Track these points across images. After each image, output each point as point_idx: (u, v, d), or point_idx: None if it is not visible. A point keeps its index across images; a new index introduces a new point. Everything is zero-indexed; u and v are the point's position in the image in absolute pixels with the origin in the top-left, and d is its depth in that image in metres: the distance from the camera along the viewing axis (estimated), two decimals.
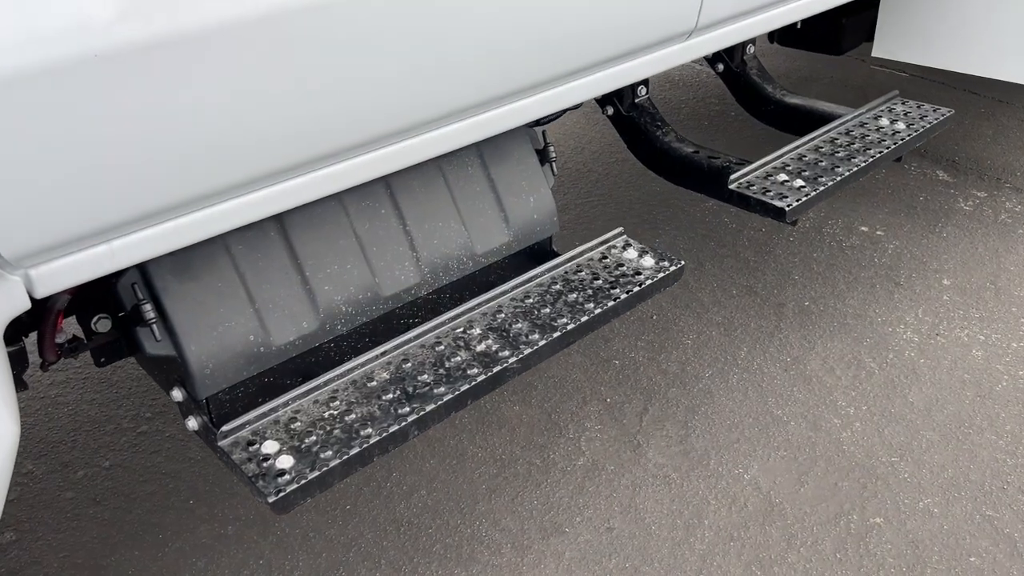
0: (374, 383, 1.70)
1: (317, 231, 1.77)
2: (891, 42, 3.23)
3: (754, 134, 3.91)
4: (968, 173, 3.85)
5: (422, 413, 1.63)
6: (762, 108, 3.07)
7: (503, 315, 1.88)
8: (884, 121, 2.82)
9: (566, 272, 2.03)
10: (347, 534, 2.23)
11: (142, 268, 1.57)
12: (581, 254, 2.09)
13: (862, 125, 2.81)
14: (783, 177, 2.48)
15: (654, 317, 2.99)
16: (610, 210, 3.63)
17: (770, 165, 2.56)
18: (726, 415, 2.58)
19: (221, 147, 1.36)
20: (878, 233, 3.44)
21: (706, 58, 2.98)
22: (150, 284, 1.58)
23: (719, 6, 2.16)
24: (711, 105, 4.51)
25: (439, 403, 1.65)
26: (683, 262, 2.07)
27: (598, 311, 1.90)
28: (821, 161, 2.58)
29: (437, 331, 1.83)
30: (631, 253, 2.10)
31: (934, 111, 2.88)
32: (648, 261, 2.07)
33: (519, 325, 1.85)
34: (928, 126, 2.79)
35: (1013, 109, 4.41)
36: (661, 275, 2.02)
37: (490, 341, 1.81)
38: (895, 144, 2.67)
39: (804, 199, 2.37)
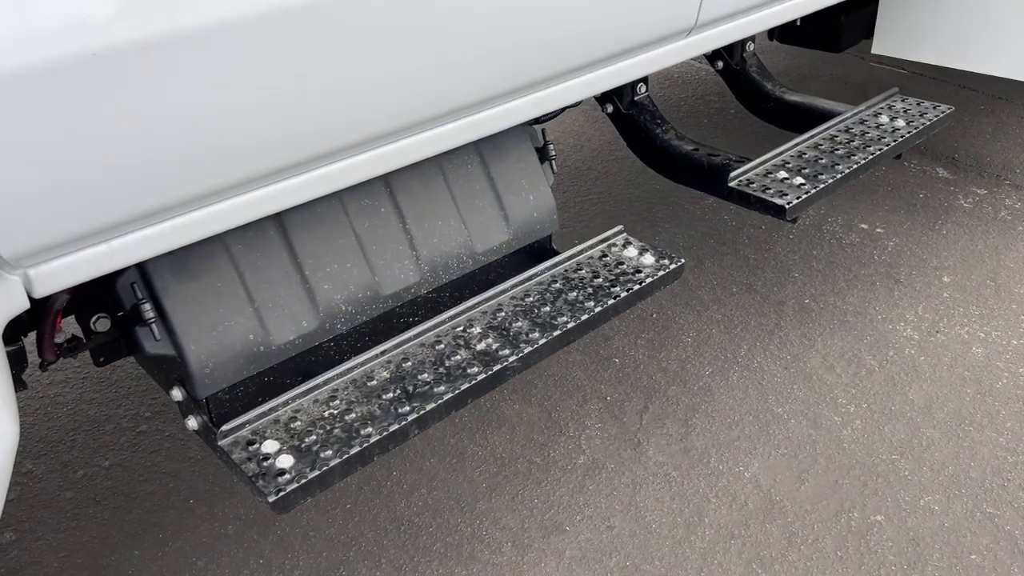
0: (374, 382, 1.70)
1: (316, 230, 1.77)
2: (890, 39, 3.23)
3: (754, 131, 3.90)
4: (968, 170, 3.85)
5: (422, 412, 1.63)
6: (762, 105, 3.06)
7: (503, 314, 1.88)
8: (884, 118, 2.82)
9: (566, 270, 2.03)
10: (347, 533, 2.22)
11: (141, 267, 1.57)
12: (581, 252, 2.09)
13: (862, 122, 2.80)
14: (783, 175, 2.47)
15: (654, 315, 2.99)
16: (609, 208, 3.63)
17: (770, 163, 2.55)
18: (726, 413, 2.58)
19: (220, 146, 1.35)
20: (878, 230, 3.44)
21: (706, 56, 2.97)
22: (149, 283, 1.58)
23: (719, 4, 2.15)
24: (711, 103, 4.51)
25: (439, 402, 1.65)
26: (683, 260, 2.07)
27: (598, 309, 1.90)
28: (821, 158, 2.58)
29: (437, 330, 1.83)
30: (631, 251, 2.09)
31: (934, 108, 2.88)
32: (648, 259, 2.06)
33: (519, 324, 1.85)
34: (928, 123, 2.78)
35: (1012, 106, 4.41)
36: (661, 273, 2.02)
37: (490, 340, 1.80)
38: (895, 141, 2.67)
39: (804, 196, 2.37)
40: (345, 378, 1.71)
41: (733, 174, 2.44)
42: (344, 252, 1.80)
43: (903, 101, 2.95)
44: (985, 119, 4.28)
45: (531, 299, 1.93)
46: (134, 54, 1.19)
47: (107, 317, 1.65)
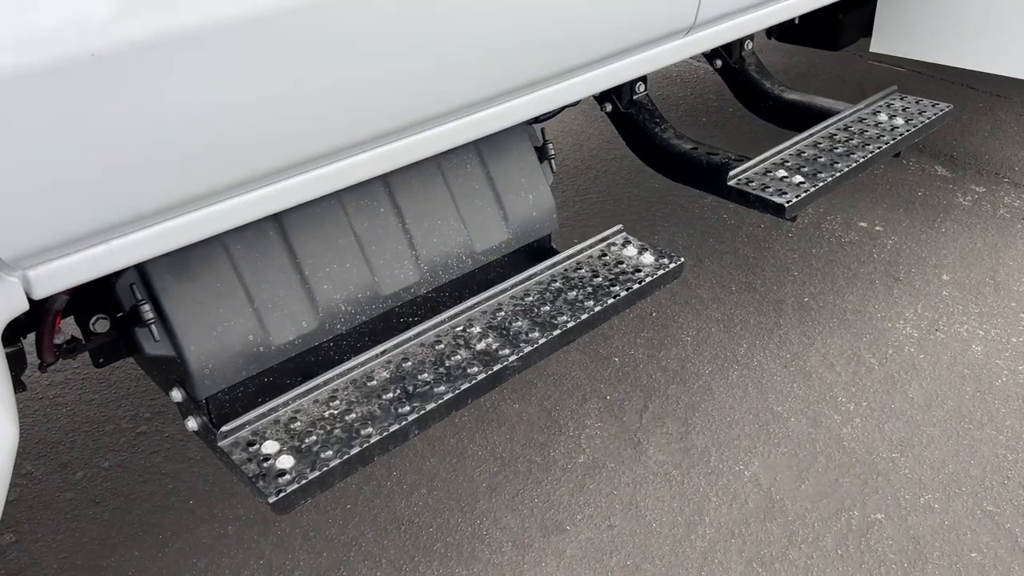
0: (374, 382, 1.70)
1: (316, 230, 1.77)
2: (889, 37, 3.23)
3: (752, 130, 3.90)
4: (966, 168, 3.85)
5: (422, 412, 1.63)
6: (760, 104, 3.06)
7: (503, 313, 1.88)
8: (883, 117, 2.82)
9: (566, 270, 2.03)
10: (348, 533, 2.22)
11: (140, 268, 1.57)
12: (581, 251, 2.08)
13: (861, 121, 2.80)
14: (782, 173, 2.47)
15: (653, 314, 2.99)
16: (608, 207, 3.63)
17: (769, 161, 2.55)
18: (726, 412, 2.58)
19: (219, 146, 1.35)
20: (877, 229, 3.44)
21: (704, 54, 2.97)
22: (149, 284, 1.57)
23: (717, 2, 2.15)
24: (709, 101, 4.51)
25: (439, 402, 1.65)
26: (683, 259, 2.07)
27: (598, 309, 1.90)
28: (820, 157, 2.57)
29: (437, 330, 1.83)
30: (631, 250, 2.09)
31: (932, 106, 2.88)
32: (648, 258, 2.06)
33: (519, 323, 1.85)
34: (926, 121, 2.78)
35: (1011, 104, 4.41)
36: (661, 272, 2.02)
37: (490, 339, 1.80)
38: (894, 140, 2.67)
39: (803, 195, 2.37)
40: (345, 378, 1.71)
41: (732, 173, 2.44)
42: (343, 252, 1.80)
43: (902, 99, 2.95)
44: (984, 117, 4.28)
45: (531, 298, 1.93)
46: (133, 54, 1.18)
47: (106, 318, 1.65)
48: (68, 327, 1.67)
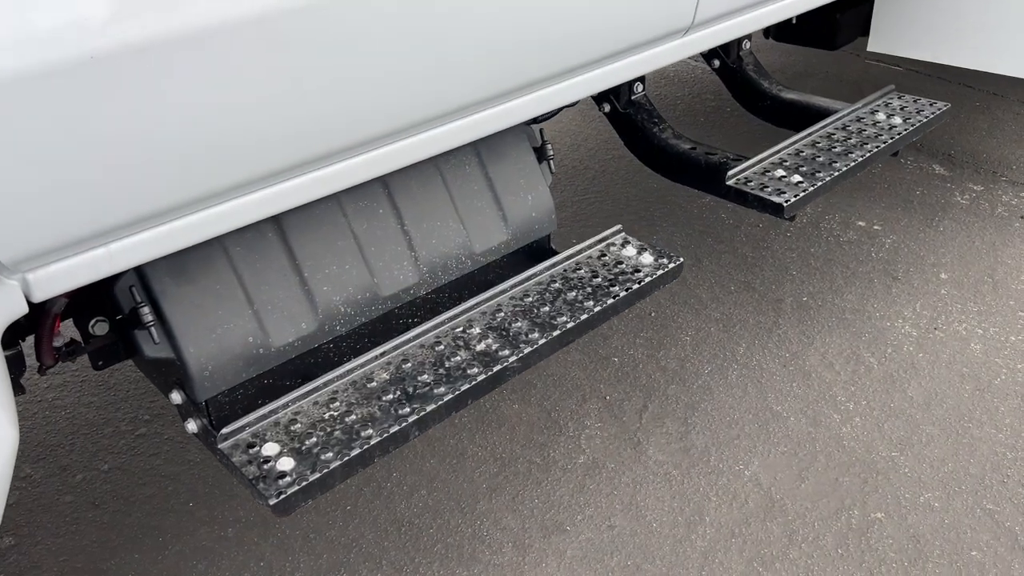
0: (374, 384, 1.70)
1: (315, 232, 1.77)
2: (886, 37, 3.23)
3: (750, 130, 3.90)
4: (964, 167, 3.85)
5: (423, 413, 1.63)
6: (758, 104, 3.07)
7: (503, 314, 1.88)
8: (880, 116, 2.82)
9: (565, 270, 2.03)
10: (348, 535, 2.22)
11: (139, 271, 1.56)
12: (580, 252, 2.08)
13: (859, 120, 2.81)
14: (780, 173, 2.48)
15: (652, 314, 2.99)
16: (607, 207, 3.63)
17: (767, 161, 2.55)
18: (726, 411, 2.58)
19: (218, 148, 1.35)
20: (875, 228, 3.44)
21: (702, 54, 2.97)
22: (148, 287, 1.57)
23: (716, 2, 2.15)
24: (707, 101, 4.51)
25: (439, 403, 1.65)
26: (682, 259, 2.07)
27: (598, 309, 1.90)
28: (818, 156, 2.58)
29: (436, 331, 1.83)
30: (630, 250, 2.09)
31: (930, 105, 2.88)
32: (647, 258, 2.06)
33: (519, 324, 1.85)
34: (924, 120, 2.79)
35: (1008, 103, 4.42)
36: (660, 272, 2.02)
37: (490, 340, 1.80)
38: (892, 139, 2.67)
39: (802, 195, 2.37)
40: (345, 380, 1.71)
41: (731, 173, 2.44)
42: (343, 254, 1.80)
43: (899, 98, 2.95)
44: (981, 116, 4.29)
45: (530, 299, 1.93)
46: (131, 56, 1.18)
47: (105, 321, 1.65)
48: (67, 330, 1.66)
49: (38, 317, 1.56)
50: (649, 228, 3.47)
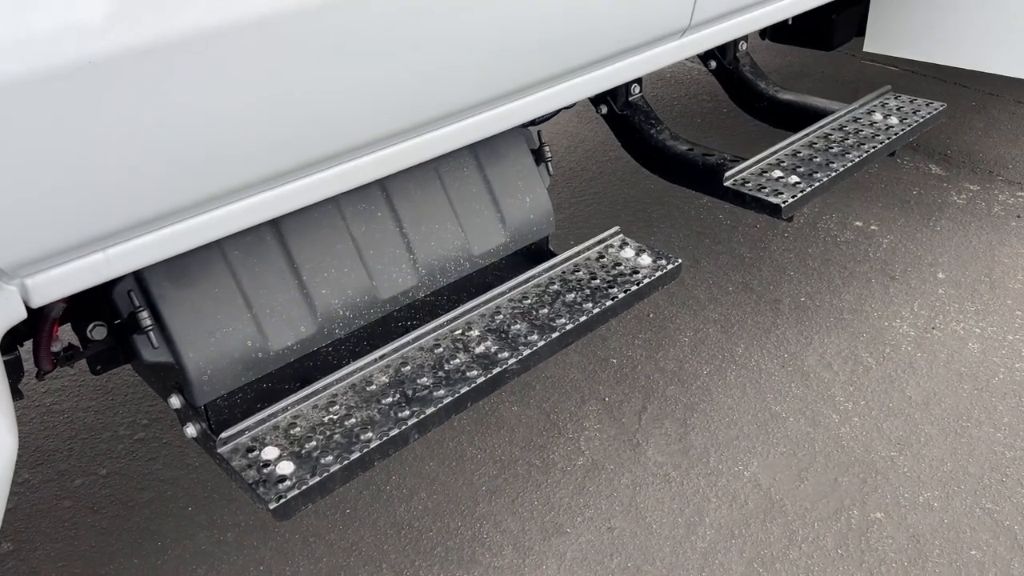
0: (373, 387, 1.69)
1: (313, 235, 1.76)
2: (882, 37, 3.24)
3: (747, 131, 3.91)
4: (960, 166, 3.86)
5: (422, 416, 1.62)
6: (755, 104, 3.07)
7: (501, 316, 1.88)
8: (877, 116, 2.82)
9: (563, 272, 2.03)
10: (348, 538, 2.22)
11: (138, 275, 1.56)
12: (578, 254, 2.08)
13: (855, 120, 2.81)
14: (778, 173, 2.48)
15: (651, 315, 2.99)
16: (604, 208, 3.63)
17: (765, 162, 2.56)
18: (725, 412, 2.58)
19: (216, 153, 1.35)
20: (872, 228, 3.45)
21: (699, 55, 2.98)
22: (146, 291, 1.57)
23: (713, 4, 2.16)
24: (703, 102, 4.52)
25: (439, 406, 1.65)
26: (680, 260, 2.07)
27: (596, 311, 1.90)
28: (815, 157, 2.58)
29: (436, 333, 1.83)
30: (628, 252, 2.09)
31: (926, 105, 2.89)
32: (645, 260, 2.06)
33: (518, 326, 1.85)
34: (921, 120, 2.79)
35: (1003, 102, 4.43)
36: (659, 274, 2.02)
37: (489, 343, 1.80)
38: (889, 139, 2.68)
39: (800, 195, 2.37)
40: (344, 383, 1.70)
41: (728, 174, 2.45)
42: (341, 257, 1.79)
43: (896, 99, 2.95)
44: (977, 115, 4.30)
45: (529, 301, 1.93)
46: (130, 61, 1.18)
47: (103, 325, 1.64)
48: (65, 334, 1.66)
49: (36, 322, 1.56)
50: (647, 229, 3.47)
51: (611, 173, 3.89)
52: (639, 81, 2.70)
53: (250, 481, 1.49)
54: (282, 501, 1.45)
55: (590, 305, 1.91)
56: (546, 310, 1.90)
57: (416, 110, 1.60)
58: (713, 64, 3.10)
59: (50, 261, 1.27)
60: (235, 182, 1.40)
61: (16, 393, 1.60)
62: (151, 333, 1.56)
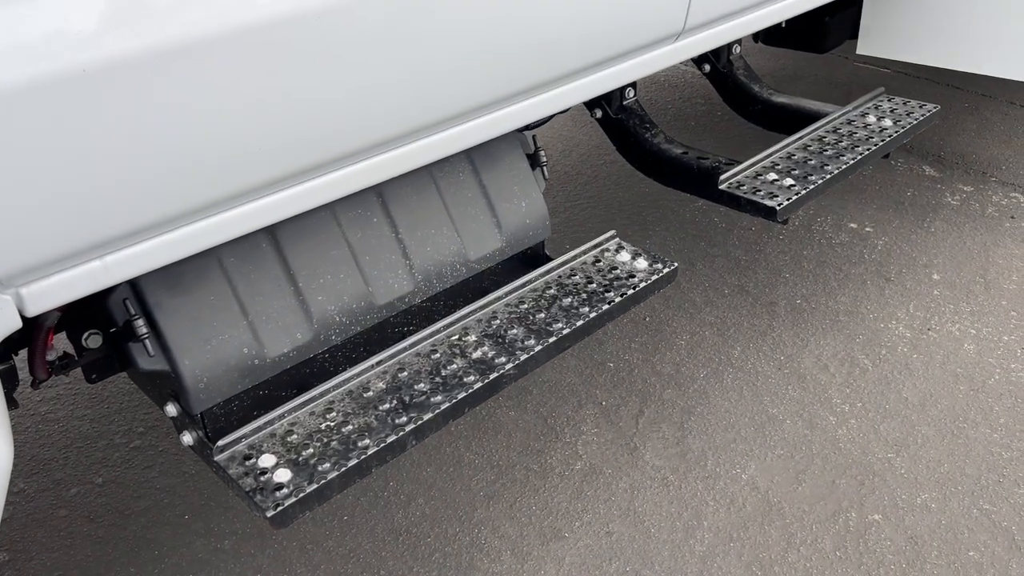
0: (370, 393, 1.69)
1: (309, 241, 1.76)
2: (875, 39, 3.25)
3: (741, 134, 3.92)
4: (954, 168, 3.87)
5: (420, 422, 1.62)
6: (749, 108, 3.08)
7: (498, 321, 1.88)
8: (871, 118, 2.83)
9: (560, 276, 2.03)
10: (345, 545, 2.21)
11: (133, 283, 1.56)
12: (574, 258, 2.08)
13: (849, 123, 2.82)
14: (773, 176, 2.48)
15: (647, 318, 2.99)
16: (600, 212, 3.63)
17: (759, 164, 2.56)
18: (722, 415, 2.58)
19: (212, 160, 1.34)
20: (867, 229, 3.45)
21: (692, 59, 2.98)
22: (142, 299, 1.56)
23: (707, 8, 2.16)
24: (698, 105, 4.53)
25: (436, 412, 1.64)
26: (676, 264, 2.07)
27: (593, 315, 1.89)
28: (810, 159, 2.59)
29: (432, 339, 1.82)
30: (624, 256, 2.09)
31: (920, 107, 2.90)
32: (641, 263, 2.06)
33: (514, 331, 1.84)
34: (914, 122, 2.80)
35: (996, 103, 4.44)
36: (655, 277, 2.02)
37: (486, 348, 1.80)
38: (883, 141, 2.69)
39: (795, 198, 2.37)
40: (341, 390, 1.70)
41: (723, 177, 2.45)
42: (337, 263, 1.79)
43: (889, 101, 2.96)
44: (970, 117, 4.31)
45: (526, 306, 1.92)
46: (124, 69, 1.18)
47: (99, 333, 1.64)
48: (60, 343, 1.65)
49: (31, 331, 1.55)
50: (642, 233, 3.48)
51: (606, 177, 3.89)
52: (633, 85, 2.71)
53: (247, 489, 1.48)
54: (279, 509, 1.44)
55: (587, 309, 1.91)
56: (543, 315, 1.89)
57: (411, 116, 1.60)
58: (707, 68, 3.11)
59: (46, 270, 1.27)
60: (230, 189, 1.40)
61: (11, 402, 1.59)
62: (147, 341, 1.55)
